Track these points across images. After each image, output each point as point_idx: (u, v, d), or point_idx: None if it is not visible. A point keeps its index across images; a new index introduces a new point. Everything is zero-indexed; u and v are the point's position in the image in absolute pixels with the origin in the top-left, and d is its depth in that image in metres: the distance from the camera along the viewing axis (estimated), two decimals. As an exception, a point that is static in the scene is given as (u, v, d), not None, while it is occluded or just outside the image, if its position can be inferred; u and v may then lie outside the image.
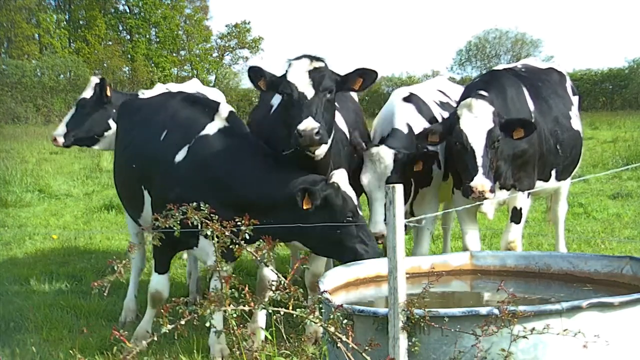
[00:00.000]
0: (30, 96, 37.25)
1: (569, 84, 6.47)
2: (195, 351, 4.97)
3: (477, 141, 4.97)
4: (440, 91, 6.54)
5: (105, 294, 3.38)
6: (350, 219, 4.62)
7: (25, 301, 6.51)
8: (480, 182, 4.86)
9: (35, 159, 18.48)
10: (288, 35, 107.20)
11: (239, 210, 4.56)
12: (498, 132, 5.03)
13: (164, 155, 4.99)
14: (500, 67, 6.43)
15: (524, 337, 3.24)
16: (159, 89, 6.76)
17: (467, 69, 51.13)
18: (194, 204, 3.67)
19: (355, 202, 4.72)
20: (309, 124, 4.46)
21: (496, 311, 3.25)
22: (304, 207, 4.50)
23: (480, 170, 4.89)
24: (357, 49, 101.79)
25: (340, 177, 4.73)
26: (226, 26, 55.08)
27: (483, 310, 3.30)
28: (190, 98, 5.52)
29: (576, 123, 6.19)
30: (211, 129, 4.95)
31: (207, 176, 4.81)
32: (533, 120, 5.36)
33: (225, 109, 5.13)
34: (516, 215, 5.72)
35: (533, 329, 3.24)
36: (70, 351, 5.07)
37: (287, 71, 4.76)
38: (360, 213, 4.72)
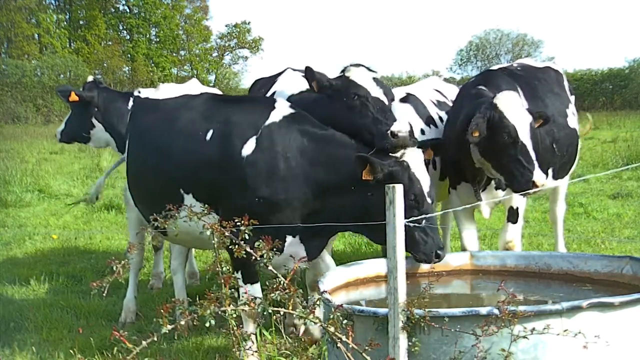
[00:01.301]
0: (30, 96, 37.25)
1: (566, 82, 6.46)
2: (195, 351, 4.97)
3: (526, 134, 4.89)
4: (436, 90, 6.54)
5: (104, 295, 3.38)
6: (413, 202, 4.36)
7: (25, 301, 6.51)
8: (541, 175, 4.82)
9: (35, 159, 18.46)
10: (288, 35, 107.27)
11: (319, 194, 4.56)
12: (534, 124, 4.99)
13: (224, 154, 4.71)
14: (495, 67, 6.42)
15: (524, 337, 3.24)
16: (166, 88, 6.75)
17: (467, 69, 51.18)
18: (188, 205, 3.67)
19: (426, 187, 4.47)
20: (403, 127, 4.55)
21: (496, 311, 3.25)
22: (363, 178, 4.31)
23: (536, 163, 4.84)
24: (357, 48, 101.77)
25: (413, 156, 4.52)
26: (226, 26, 55.15)
27: (483, 310, 3.30)
28: (219, 97, 5.41)
29: (572, 121, 6.17)
30: (276, 116, 4.74)
31: (288, 163, 4.60)
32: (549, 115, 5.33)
33: (282, 99, 5.03)
34: (513, 215, 5.70)
35: (533, 329, 3.24)
36: (71, 351, 5.08)
37: (347, 76, 4.83)
38: (429, 200, 4.48)
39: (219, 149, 4.74)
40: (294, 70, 6.02)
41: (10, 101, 35.91)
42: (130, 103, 7.41)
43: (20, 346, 5.27)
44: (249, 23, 53.14)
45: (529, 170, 4.81)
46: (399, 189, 3.38)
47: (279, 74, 6.20)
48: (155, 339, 3.35)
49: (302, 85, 5.46)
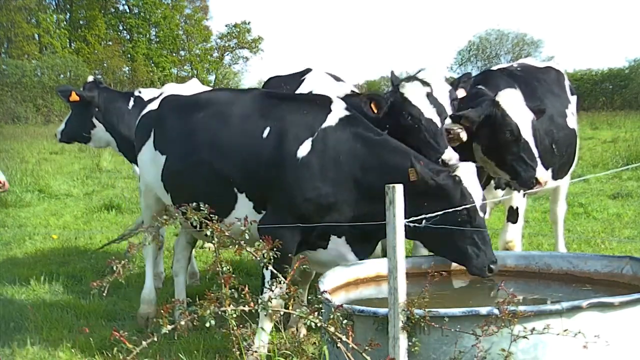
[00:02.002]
0: (30, 96, 37.26)
1: (567, 82, 6.47)
2: (195, 351, 4.97)
3: (528, 132, 4.94)
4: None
5: (104, 294, 3.38)
6: (465, 216, 4.32)
7: (25, 301, 6.51)
8: (544, 172, 4.88)
9: (35, 159, 18.46)
10: (288, 35, 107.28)
11: (370, 198, 4.47)
12: (536, 122, 5.04)
13: (279, 153, 4.71)
14: (495, 67, 6.43)
15: (524, 337, 3.25)
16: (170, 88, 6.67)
17: (467, 68, 51.17)
18: (193, 204, 3.67)
19: (478, 201, 4.39)
20: (451, 155, 4.65)
21: (496, 311, 3.25)
22: (411, 179, 4.24)
23: (539, 161, 4.89)
24: (357, 49, 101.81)
25: (465, 170, 4.44)
26: (226, 26, 55.15)
27: (483, 310, 3.30)
28: (273, 93, 5.35)
29: (572, 121, 6.20)
30: (333, 119, 4.75)
31: (340, 167, 4.63)
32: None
33: (338, 99, 5.00)
34: (513, 215, 5.73)
35: (533, 329, 3.24)
36: (71, 351, 5.08)
37: (402, 93, 4.87)
38: (482, 214, 4.42)
39: (274, 148, 4.74)
40: (317, 71, 6.09)
41: (10, 101, 35.92)
42: (131, 103, 7.42)
43: (20, 346, 5.27)
44: (249, 23, 53.19)
45: (532, 168, 4.84)
46: (399, 189, 3.39)
47: (300, 73, 6.20)
48: (155, 339, 3.36)
49: (334, 86, 5.47)
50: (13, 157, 18.05)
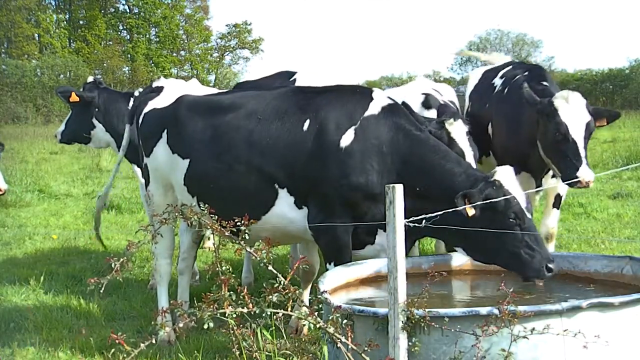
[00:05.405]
0: (30, 96, 37.25)
1: None
2: (195, 351, 4.97)
3: (578, 133, 5.12)
4: (435, 90, 6.55)
5: (101, 292, 3.38)
6: (513, 220, 4.15)
7: (25, 301, 6.51)
8: (587, 172, 5.03)
9: (35, 159, 18.47)
10: (288, 35, 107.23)
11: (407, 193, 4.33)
12: (593, 125, 5.24)
13: (322, 144, 4.65)
14: (501, 63, 6.68)
15: (524, 337, 3.24)
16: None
17: (467, 69, 51.18)
18: (198, 206, 3.67)
19: (523, 203, 4.23)
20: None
21: (496, 311, 3.26)
22: (469, 215, 4.06)
23: (584, 161, 5.07)
24: (357, 49, 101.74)
25: (503, 174, 4.29)
26: (226, 26, 55.11)
27: (483, 310, 3.30)
28: (308, 87, 5.30)
29: None
30: (375, 108, 4.71)
31: (384, 158, 4.58)
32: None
33: (377, 89, 4.99)
34: (558, 202, 6.10)
35: (533, 329, 3.24)
36: (71, 351, 5.07)
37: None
38: (529, 215, 4.25)
39: (316, 139, 4.68)
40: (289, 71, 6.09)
41: (10, 101, 35.90)
42: (131, 103, 7.40)
43: (20, 346, 5.26)
44: (250, 24, 53.14)
45: (575, 168, 5.05)
46: (398, 188, 3.38)
47: (279, 74, 6.20)
48: (154, 341, 3.36)
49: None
50: (13, 157, 18.04)
